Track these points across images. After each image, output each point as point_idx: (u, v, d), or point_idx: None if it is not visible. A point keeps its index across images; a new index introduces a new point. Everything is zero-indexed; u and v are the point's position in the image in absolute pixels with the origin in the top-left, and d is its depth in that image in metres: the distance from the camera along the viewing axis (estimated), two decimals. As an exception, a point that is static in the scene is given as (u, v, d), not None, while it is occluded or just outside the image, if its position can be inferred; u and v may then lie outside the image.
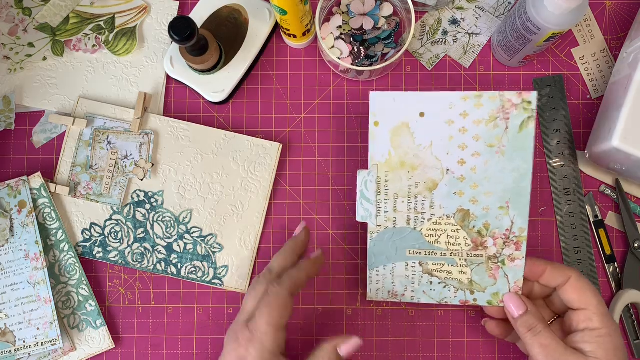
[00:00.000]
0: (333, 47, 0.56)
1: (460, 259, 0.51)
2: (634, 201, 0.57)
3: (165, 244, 0.57)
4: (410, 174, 0.50)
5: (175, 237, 0.57)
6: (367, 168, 0.50)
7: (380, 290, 0.52)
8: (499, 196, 0.49)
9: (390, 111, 0.49)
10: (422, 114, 0.49)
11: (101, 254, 0.57)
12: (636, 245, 0.56)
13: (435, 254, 0.51)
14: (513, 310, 0.49)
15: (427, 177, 0.50)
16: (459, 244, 0.50)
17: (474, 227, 0.50)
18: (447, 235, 0.50)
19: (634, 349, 0.55)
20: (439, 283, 0.51)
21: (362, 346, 0.56)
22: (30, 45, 0.59)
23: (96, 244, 0.57)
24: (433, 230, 0.50)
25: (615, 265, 0.56)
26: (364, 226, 0.57)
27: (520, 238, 0.49)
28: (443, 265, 0.51)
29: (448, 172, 0.49)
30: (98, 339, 0.56)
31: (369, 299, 0.53)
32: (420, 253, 0.51)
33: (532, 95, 0.48)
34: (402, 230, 0.51)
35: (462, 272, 0.51)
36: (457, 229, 0.50)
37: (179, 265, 0.56)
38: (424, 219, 0.50)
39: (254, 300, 0.47)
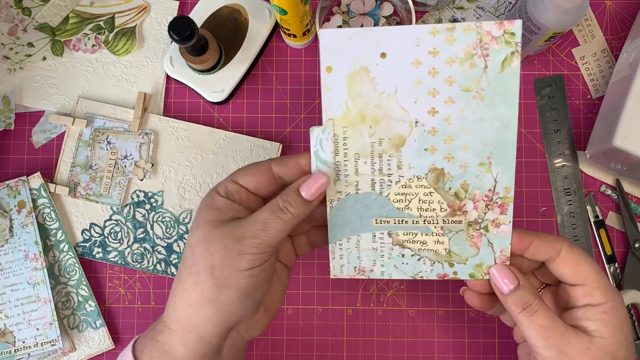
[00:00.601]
0: (333, 47, 0.56)
1: (435, 227, 0.43)
2: (635, 201, 0.57)
3: (165, 244, 0.56)
4: (372, 128, 0.42)
5: (175, 237, 0.57)
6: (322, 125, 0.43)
7: (345, 266, 0.45)
8: (478, 150, 0.41)
9: (345, 53, 0.41)
10: (383, 55, 0.41)
11: (101, 254, 0.57)
12: (637, 245, 0.56)
13: (406, 222, 0.43)
14: (502, 285, 0.41)
15: (392, 132, 0.42)
16: (434, 210, 0.43)
17: (450, 188, 0.43)
18: (419, 200, 0.43)
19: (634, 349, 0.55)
20: (412, 255, 0.44)
21: (362, 346, 0.56)
22: (30, 45, 0.59)
23: (96, 244, 0.57)
24: (402, 194, 0.43)
25: (616, 265, 0.56)
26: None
27: (506, 199, 0.42)
28: (416, 234, 0.44)
29: (417, 124, 0.41)
30: (98, 339, 0.56)
31: (332, 276, 0.46)
32: (388, 222, 0.44)
33: (516, 25, 0.39)
34: (366, 196, 0.43)
35: (438, 241, 0.44)
36: (430, 192, 0.43)
37: (179, 266, 0.56)
38: (391, 182, 0.43)
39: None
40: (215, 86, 0.56)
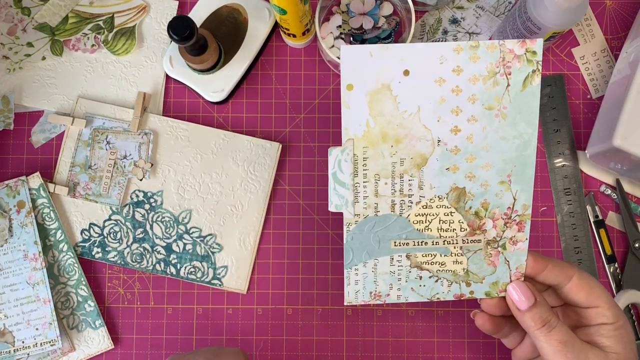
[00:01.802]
0: (333, 46, 0.56)
1: (455, 247, 0.43)
2: (635, 201, 0.57)
3: (164, 244, 0.56)
4: (394, 148, 0.41)
5: (175, 237, 0.56)
6: (340, 144, 0.42)
7: (360, 291, 0.44)
8: (499, 169, 0.42)
9: (367, 70, 0.40)
10: (406, 72, 0.40)
11: (100, 254, 0.57)
12: (637, 245, 0.56)
13: (426, 243, 0.43)
14: (520, 302, 0.42)
15: (414, 152, 0.41)
16: (454, 230, 0.43)
17: (470, 207, 0.42)
18: (440, 220, 0.43)
19: (634, 349, 0.55)
20: (430, 277, 0.44)
21: (362, 346, 0.56)
22: (29, 44, 0.58)
23: (95, 244, 0.57)
24: (422, 215, 0.43)
25: (616, 265, 0.56)
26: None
27: (524, 217, 0.43)
28: (435, 255, 0.43)
29: (439, 143, 0.41)
30: (97, 339, 0.56)
31: (347, 303, 0.44)
32: (407, 244, 0.43)
33: (538, 44, 0.40)
34: (386, 218, 0.43)
35: (456, 262, 0.43)
36: (451, 212, 0.42)
37: (178, 266, 0.56)
38: (412, 202, 0.42)
39: None
40: (214, 86, 0.56)
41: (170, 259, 0.56)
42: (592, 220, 0.57)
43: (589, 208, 0.57)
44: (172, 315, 0.57)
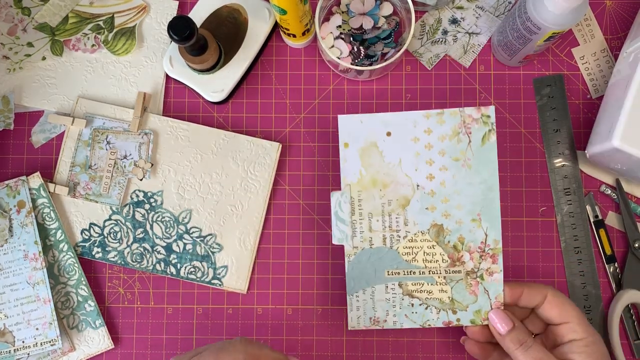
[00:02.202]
0: (333, 46, 0.56)
1: (439, 277, 0.50)
2: (635, 201, 0.57)
3: (164, 244, 0.56)
4: (382, 192, 0.50)
5: (175, 237, 0.56)
6: (340, 189, 0.51)
7: (362, 317, 0.51)
8: (469, 209, 0.50)
9: (358, 132, 0.51)
10: (388, 134, 0.50)
11: (100, 254, 0.57)
12: (636, 245, 0.56)
13: (414, 272, 0.50)
14: (499, 327, 0.48)
15: (399, 194, 0.50)
16: (436, 261, 0.50)
17: (449, 242, 0.50)
18: (424, 252, 0.50)
19: (634, 349, 0.55)
20: (420, 304, 0.51)
21: (362, 346, 0.56)
22: (30, 44, 0.59)
23: (95, 244, 0.57)
24: (409, 247, 0.50)
25: (616, 265, 0.56)
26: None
27: (496, 250, 0.50)
28: (423, 284, 0.50)
29: (418, 187, 0.50)
30: (97, 339, 0.56)
31: (350, 328, 0.51)
32: (398, 273, 0.51)
33: (490, 110, 0.50)
34: (379, 250, 0.51)
35: (442, 290, 0.50)
36: (432, 245, 0.50)
37: (179, 266, 0.56)
38: (400, 236, 0.50)
39: None
40: (214, 86, 0.56)
41: (171, 258, 0.56)
42: (592, 220, 0.57)
43: (588, 208, 0.57)
44: (172, 315, 0.57)
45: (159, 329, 0.57)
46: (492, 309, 0.49)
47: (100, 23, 0.59)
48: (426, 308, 0.50)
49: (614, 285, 0.56)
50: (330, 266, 0.57)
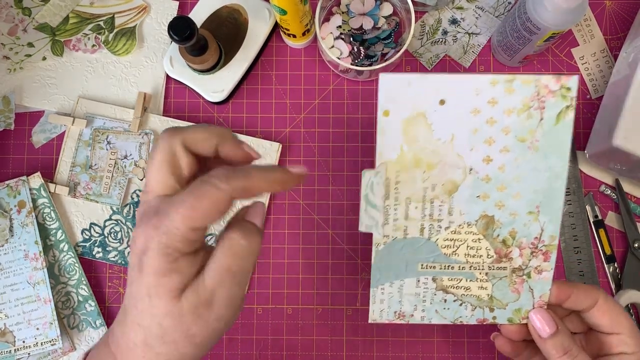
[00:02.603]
0: (333, 46, 0.56)
1: (480, 273, 0.44)
2: (634, 201, 0.57)
3: (164, 244, 0.56)
4: (426, 174, 0.42)
5: (175, 237, 0.56)
6: (374, 167, 0.42)
7: (385, 310, 0.46)
8: (529, 199, 0.43)
9: (404, 98, 0.41)
10: (442, 102, 0.41)
11: (101, 254, 0.57)
12: (636, 245, 0.56)
13: (452, 267, 0.44)
14: (542, 329, 0.43)
15: (446, 178, 0.42)
16: (480, 256, 0.44)
17: (498, 235, 0.44)
18: (467, 246, 0.44)
19: (634, 349, 0.55)
20: (455, 301, 0.45)
21: (362, 346, 0.56)
22: (30, 45, 0.59)
23: (96, 244, 0.57)
24: (451, 240, 0.44)
25: (615, 265, 0.56)
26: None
27: (550, 247, 0.44)
28: (460, 280, 0.45)
29: (471, 171, 0.42)
30: (97, 339, 0.56)
31: (371, 321, 0.46)
32: (434, 267, 0.44)
33: (572, 81, 0.40)
34: (415, 241, 0.44)
35: (481, 287, 0.45)
36: (478, 239, 0.44)
37: (179, 265, 0.56)
38: (441, 227, 0.44)
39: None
40: (215, 86, 0.56)
41: (171, 258, 0.56)
42: (591, 220, 0.57)
43: (588, 208, 0.57)
44: (172, 315, 0.57)
45: (159, 328, 0.57)
46: (534, 308, 0.44)
47: (101, 23, 0.59)
48: (460, 304, 0.45)
49: (613, 286, 0.56)
50: (331, 266, 0.57)
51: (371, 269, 0.44)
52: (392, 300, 0.45)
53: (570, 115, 0.41)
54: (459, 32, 0.59)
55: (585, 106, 0.58)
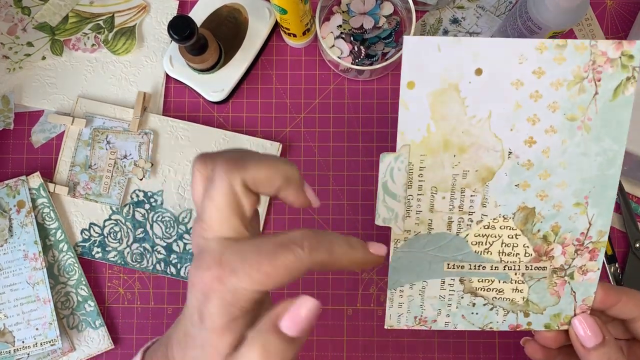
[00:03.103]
0: (333, 46, 0.56)
1: (516, 274, 0.38)
2: (635, 201, 0.57)
3: (164, 244, 0.56)
4: (456, 158, 0.36)
5: (175, 237, 0.56)
6: (394, 151, 0.36)
7: (404, 315, 0.40)
8: (576, 189, 0.36)
9: (432, 66, 0.34)
10: (479, 71, 0.35)
11: (100, 254, 0.56)
12: (637, 245, 0.55)
13: (484, 267, 0.38)
14: (587, 338, 0.37)
15: (480, 163, 0.36)
16: (517, 254, 0.38)
17: (538, 230, 0.38)
18: (502, 243, 0.38)
19: (635, 350, 0.55)
20: (485, 304, 0.39)
21: (362, 346, 0.56)
22: (30, 44, 0.58)
23: (95, 244, 0.57)
24: (483, 236, 0.38)
25: (617, 265, 0.56)
26: (367, 227, 0.56)
27: (598, 244, 0.38)
28: (492, 282, 0.39)
29: (510, 155, 0.36)
30: (97, 339, 0.55)
31: (387, 327, 0.40)
32: (462, 267, 0.38)
33: (637, 46, 0.34)
34: (440, 236, 0.38)
35: (516, 289, 0.39)
36: (516, 234, 0.38)
37: (179, 266, 0.56)
38: (472, 221, 0.37)
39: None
40: (215, 86, 0.56)
41: (171, 258, 0.56)
42: (592, 220, 0.56)
43: (589, 208, 0.57)
44: (172, 315, 0.57)
45: (159, 329, 0.56)
46: (575, 313, 0.39)
47: (101, 22, 0.58)
48: (491, 309, 0.39)
49: (614, 286, 0.56)
50: (331, 266, 0.57)
51: (389, 269, 0.38)
52: (412, 304, 0.39)
53: (631, 90, 0.35)
54: (459, 32, 0.58)
55: (586, 106, 0.58)
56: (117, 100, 0.58)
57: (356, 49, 0.56)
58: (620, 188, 0.56)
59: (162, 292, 0.57)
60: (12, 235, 0.55)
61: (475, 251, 0.38)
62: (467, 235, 0.38)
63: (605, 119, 0.35)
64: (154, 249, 0.56)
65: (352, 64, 0.55)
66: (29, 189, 0.56)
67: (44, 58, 0.58)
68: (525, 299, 0.39)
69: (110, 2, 0.58)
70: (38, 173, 0.56)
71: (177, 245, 0.56)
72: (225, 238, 0.28)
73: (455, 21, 0.59)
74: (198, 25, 0.51)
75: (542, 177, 0.36)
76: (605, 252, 0.56)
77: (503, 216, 0.37)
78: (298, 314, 0.30)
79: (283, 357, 0.29)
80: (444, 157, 0.36)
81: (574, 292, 0.39)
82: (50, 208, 0.56)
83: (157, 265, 0.56)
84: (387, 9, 0.56)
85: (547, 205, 0.37)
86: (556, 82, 0.35)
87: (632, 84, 0.34)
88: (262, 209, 0.57)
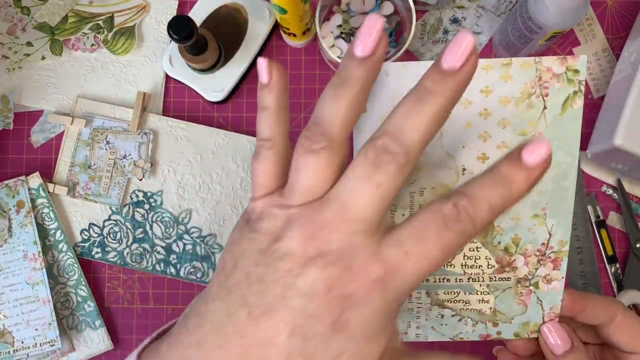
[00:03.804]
0: (333, 46, 0.56)
1: (480, 285, 0.39)
2: (636, 201, 0.57)
3: (164, 245, 0.56)
4: (412, 176, 0.37)
5: (175, 237, 0.56)
6: None
7: None
8: (532, 201, 0.37)
9: (382, 90, 0.36)
10: None
11: (100, 255, 0.56)
12: (638, 245, 0.55)
13: (448, 280, 0.39)
14: (555, 345, 0.38)
15: (436, 181, 0.38)
16: (480, 266, 0.39)
17: (499, 243, 0.38)
18: (464, 256, 0.39)
19: (635, 350, 0.55)
20: (453, 316, 0.40)
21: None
22: (29, 44, 0.58)
23: (95, 245, 0.57)
24: None
25: (617, 265, 0.56)
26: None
27: (560, 254, 0.39)
28: (458, 293, 0.40)
29: (465, 172, 0.37)
30: (97, 339, 0.55)
31: None
32: (427, 280, 0.40)
33: (581, 62, 0.35)
34: None
35: (482, 300, 0.40)
36: (477, 247, 0.39)
37: (178, 266, 0.56)
38: None
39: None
40: (214, 85, 0.56)
41: (170, 259, 0.56)
42: (593, 220, 0.56)
43: (590, 208, 0.56)
44: (172, 316, 0.57)
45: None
46: (544, 321, 0.40)
47: (100, 22, 0.58)
48: (459, 320, 0.40)
49: (615, 286, 0.56)
50: (331, 266, 0.57)
51: None
52: None
53: (579, 103, 0.35)
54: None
55: (587, 106, 0.58)
56: (116, 100, 0.58)
57: (356, 48, 0.55)
58: (621, 188, 0.56)
59: (162, 292, 0.57)
60: (11, 236, 0.55)
61: None
62: None
63: (556, 133, 0.36)
64: (154, 249, 0.56)
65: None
66: (29, 189, 0.56)
67: (43, 58, 0.58)
68: (492, 309, 0.40)
69: (110, 2, 0.58)
70: (37, 173, 0.56)
71: (177, 245, 0.56)
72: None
73: (455, 21, 0.58)
74: (198, 25, 0.51)
75: None
76: (606, 252, 0.56)
77: None
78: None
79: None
80: None
81: (541, 300, 0.39)
82: (50, 208, 0.56)
83: (157, 266, 0.56)
84: (387, 8, 0.56)
85: (505, 218, 0.38)
86: (504, 99, 0.36)
87: (579, 98, 0.35)
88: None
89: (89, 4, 0.58)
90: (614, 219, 0.57)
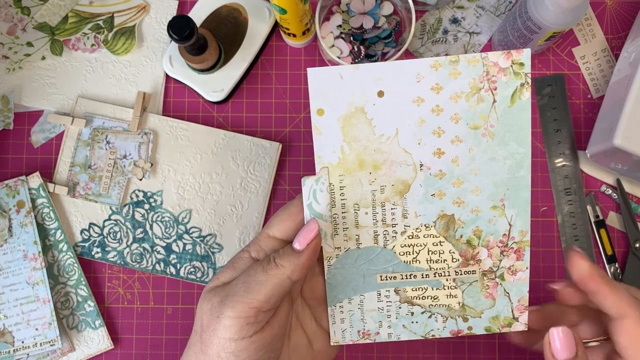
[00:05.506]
0: (333, 46, 0.56)
1: (447, 280, 0.40)
2: (635, 201, 0.57)
3: (164, 244, 0.56)
4: (372, 175, 0.38)
5: (175, 237, 0.56)
6: (315, 173, 0.38)
7: (347, 330, 0.41)
8: (490, 193, 0.39)
9: (337, 93, 0.37)
10: (380, 93, 0.37)
11: (100, 254, 0.56)
12: (637, 245, 0.55)
13: (415, 276, 0.40)
14: (558, 351, 0.36)
15: (395, 178, 0.39)
16: (444, 260, 0.40)
17: (461, 236, 0.39)
18: (428, 251, 0.40)
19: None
20: (423, 313, 0.41)
21: (362, 346, 0.56)
22: (29, 44, 0.58)
23: (95, 244, 0.57)
24: (409, 246, 0.40)
25: (617, 265, 0.56)
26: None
27: (522, 244, 0.39)
28: (426, 289, 0.40)
29: (422, 167, 0.38)
30: (97, 339, 0.55)
31: (333, 343, 0.41)
32: (394, 278, 0.40)
33: (525, 55, 0.36)
34: (369, 250, 0.40)
35: (450, 295, 0.40)
36: (440, 242, 0.39)
37: (178, 266, 0.56)
38: (396, 232, 0.39)
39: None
40: (214, 85, 0.56)
41: (170, 259, 0.56)
42: (592, 220, 0.56)
43: (589, 208, 0.56)
44: (172, 315, 0.57)
45: (159, 329, 0.56)
46: (514, 315, 0.40)
47: (100, 22, 0.58)
48: (430, 316, 0.41)
49: None
50: (331, 266, 0.57)
51: (325, 286, 0.40)
52: (353, 319, 0.41)
53: (527, 95, 0.37)
54: (459, 32, 0.58)
55: (586, 106, 0.58)
56: (116, 100, 0.58)
57: (356, 48, 0.56)
58: (620, 188, 0.56)
59: (162, 292, 0.57)
60: (11, 236, 0.55)
61: (404, 261, 0.40)
62: (394, 246, 0.40)
63: (507, 124, 0.37)
64: (154, 249, 0.56)
65: (351, 63, 0.55)
66: (29, 189, 0.56)
67: (43, 58, 0.58)
68: (461, 304, 0.40)
69: (110, 2, 0.58)
70: (38, 173, 0.56)
71: (177, 245, 0.56)
72: None
73: (455, 21, 0.59)
74: (198, 25, 0.51)
75: (456, 184, 0.39)
76: (605, 252, 0.56)
77: (425, 225, 0.39)
78: (305, 231, 0.37)
79: (290, 264, 0.36)
80: (360, 176, 0.39)
81: (508, 293, 0.40)
82: (50, 208, 0.56)
83: (157, 266, 0.56)
84: (387, 8, 0.56)
85: (465, 211, 0.39)
86: (454, 95, 0.37)
87: (527, 89, 0.37)
88: (262, 209, 0.57)
89: (89, 4, 0.59)
90: (613, 219, 0.57)
